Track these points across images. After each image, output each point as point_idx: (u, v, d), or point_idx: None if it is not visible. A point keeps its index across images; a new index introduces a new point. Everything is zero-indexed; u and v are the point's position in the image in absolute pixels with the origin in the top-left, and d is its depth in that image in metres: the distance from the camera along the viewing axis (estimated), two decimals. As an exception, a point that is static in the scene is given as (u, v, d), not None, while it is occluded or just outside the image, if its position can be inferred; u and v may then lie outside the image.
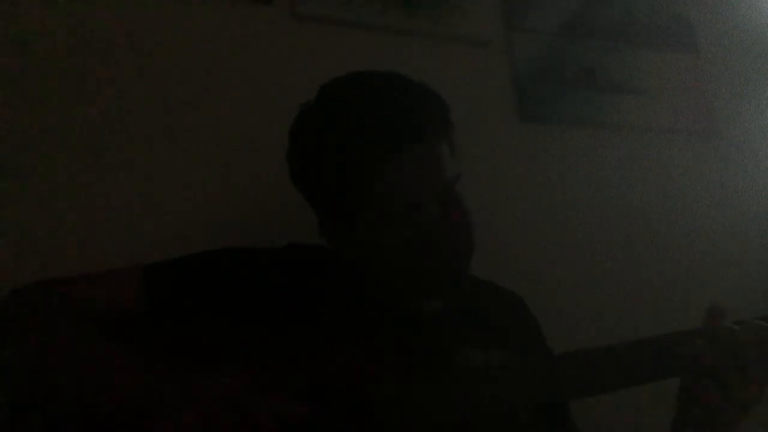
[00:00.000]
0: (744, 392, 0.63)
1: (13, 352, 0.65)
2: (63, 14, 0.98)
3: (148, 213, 0.97)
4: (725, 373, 0.63)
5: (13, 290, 0.71)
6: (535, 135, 1.32)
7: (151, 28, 1.03)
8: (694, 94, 1.52)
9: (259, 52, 1.10)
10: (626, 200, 1.38)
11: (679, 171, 1.46)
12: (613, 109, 1.41)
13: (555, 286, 1.23)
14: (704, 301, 1.44)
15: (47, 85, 0.95)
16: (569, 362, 0.68)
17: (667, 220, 1.40)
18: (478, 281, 0.94)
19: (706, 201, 1.46)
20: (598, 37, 1.45)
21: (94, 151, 0.96)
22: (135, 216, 0.96)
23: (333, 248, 0.83)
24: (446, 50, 1.27)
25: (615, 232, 1.34)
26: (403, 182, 0.72)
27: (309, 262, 0.82)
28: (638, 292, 1.31)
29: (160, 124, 1.01)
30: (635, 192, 1.39)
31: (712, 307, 0.70)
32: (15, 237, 0.88)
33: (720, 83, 1.57)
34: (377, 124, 0.71)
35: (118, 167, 0.97)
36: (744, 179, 1.53)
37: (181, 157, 1.01)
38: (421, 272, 0.73)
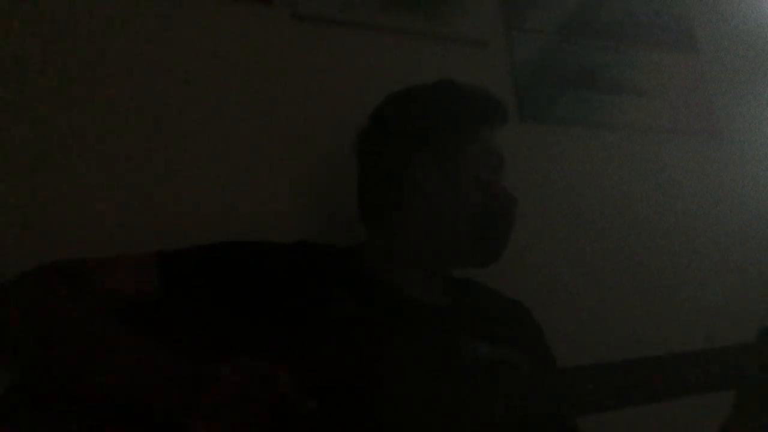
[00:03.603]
0: None
1: (28, 334, 0.64)
2: (62, 14, 0.98)
3: (147, 213, 0.97)
4: None
5: (28, 270, 0.70)
6: (535, 135, 1.32)
7: (151, 28, 1.03)
8: (694, 94, 1.52)
9: (259, 52, 1.10)
10: (626, 200, 1.37)
11: (679, 171, 1.46)
12: (613, 109, 1.41)
13: (553, 286, 1.23)
14: (704, 302, 1.45)
15: (47, 85, 0.95)
16: (585, 375, 0.69)
17: (667, 220, 1.40)
18: (485, 287, 0.95)
19: (706, 201, 1.46)
20: (598, 37, 1.45)
21: (93, 150, 0.96)
22: (134, 216, 0.96)
23: (371, 222, 0.92)
24: (446, 50, 1.27)
25: (615, 232, 1.34)
26: (491, 147, 0.90)
27: (320, 259, 0.83)
28: (637, 292, 1.31)
29: (159, 123, 1.01)
30: (635, 192, 1.39)
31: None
32: (15, 237, 0.88)
33: (720, 83, 1.57)
34: (486, 98, 0.92)
35: (116, 167, 0.96)
36: (744, 179, 1.53)
37: (181, 156, 1.01)
38: (492, 224, 0.87)
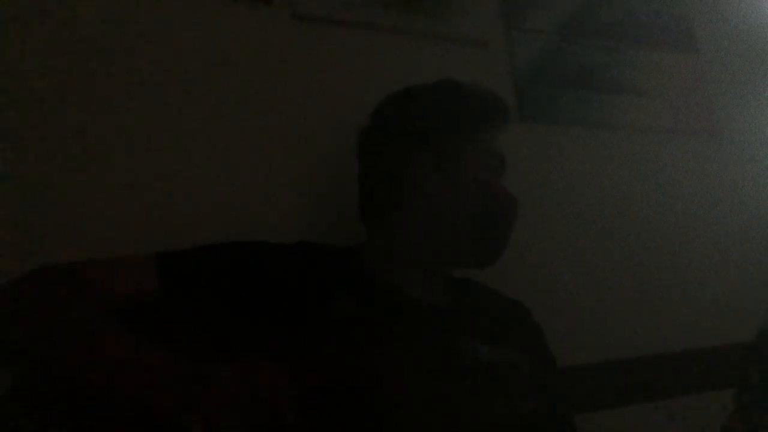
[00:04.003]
0: None
1: (29, 334, 0.64)
2: (62, 14, 0.98)
3: (147, 213, 0.97)
4: None
5: (28, 272, 0.70)
6: (535, 135, 1.32)
7: (150, 28, 1.03)
8: (694, 94, 1.52)
9: (259, 52, 1.10)
10: (626, 200, 1.38)
11: (679, 171, 1.46)
12: (613, 109, 1.41)
13: (553, 286, 1.23)
14: (704, 302, 1.45)
15: (47, 85, 0.95)
16: (582, 374, 0.69)
17: (667, 220, 1.40)
18: (485, 287, 0.95)
19: (706, 201, 1.46)
20: (598, 37, 1.45)
21: (93, 150, 0.96)
22: (134, 216, 0.96)
23: (371, 222, 0.92)
24: (446, 50, 1.27)
25: (614, 232, 1.34)
26: (492, 148, 0.90)
27: (320, 259, 0.83)
28: (637, 292, 1.31)
29: (159, 123, 1.01)
30: (635, 192, 1.39)
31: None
32: (15, 239, 0.88)
33: (720, 83, 1.57)
34: (488, 98, 0.92)
35: (116, 167, 0.96)
36: (744, 179, 1.53)
37: (181, 156, 1.01)
38: (492, 225, 0.87)
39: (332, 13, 1.16)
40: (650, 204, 1.40)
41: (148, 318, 0.71)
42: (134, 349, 0.63)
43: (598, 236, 1.32)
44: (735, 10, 1.69)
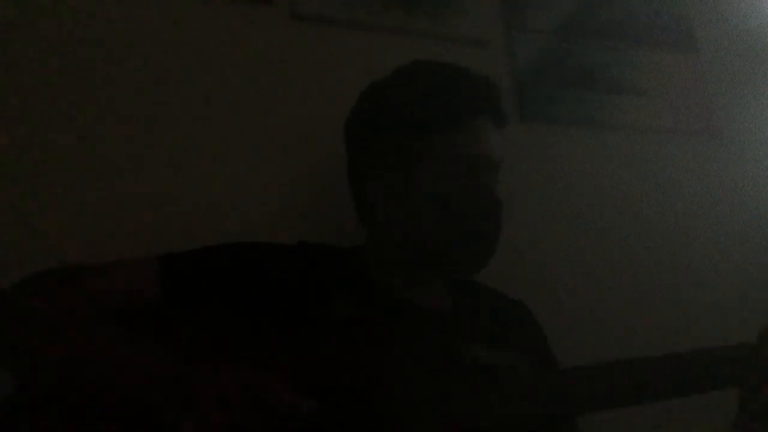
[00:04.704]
0: None
1: (29, 336, 0.65)
2: (63, 14, 0.98)
3: (146, 213, 0.97)
4: None
5: (27, 277, 0.71)
6: (535, 135, 1.32)
7: (150, 28, 1.03)
8: (694, 94, 1.52)
9: (258, 52, 1.10)
10: (626, 200, 1.37)
11: (679, 171, 1.46)
12: (613, 109, 1.41)
13: (553, 287, 1.23)
14: (704, 302, 1.45)
15: (47, 86, 0.95)
16: (582, 375, 0.69)
17: (666, 220, 1.40)
18: (486, 288, 0.95)
19: (706, 201, 1.46)
20: (598, 37, 1.45)
21: (93, 151, 0.96)
22: (133, 217, 0.96)
23: (367, 219, 0.89)
24: (446, 50, 1.27)
25: (614, 232, 1.34)
26: (477, 140, 0.83)
27: (320, 260, 0.83)
28: (637, 292, 1.31)
29: (159, 123, 1.01)
30: (635, 192, 1.39)
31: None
32: (16, 242, 0.88)
33: (720, 83, 1.57)
34: (466, 88, 0.86)
35: (115, 167, 0.96)
36: (744, 179, 1.53)
37: (180, 156, 1.01)
38: (462, 237, 0.81)
39: (332, 13, 1.16)
40: (650, 204, 1.40)
41: (148, 319, 0.71)
42: (132, 350, 0.63)
43: (598, 236, 1.32)
44: (735, 10, 1.69)
